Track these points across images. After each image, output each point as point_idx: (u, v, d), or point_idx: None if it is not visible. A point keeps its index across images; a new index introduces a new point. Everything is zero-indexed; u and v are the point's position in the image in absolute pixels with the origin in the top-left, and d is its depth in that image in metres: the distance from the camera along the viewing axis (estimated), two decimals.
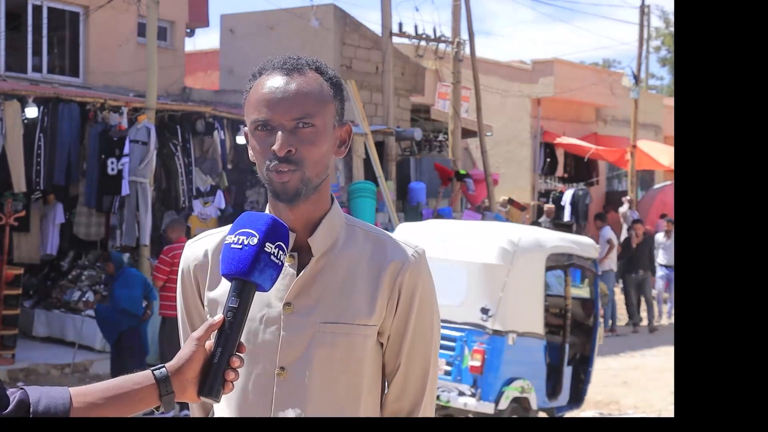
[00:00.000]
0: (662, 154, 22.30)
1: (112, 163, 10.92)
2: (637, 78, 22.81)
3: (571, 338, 8.12)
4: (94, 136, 11.08)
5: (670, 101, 27.42)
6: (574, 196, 21.11)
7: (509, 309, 7.34)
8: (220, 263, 1.84)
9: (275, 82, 1.97)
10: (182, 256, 2.12)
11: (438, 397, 7.15)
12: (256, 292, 1.84)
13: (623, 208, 18.84)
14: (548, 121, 22.78)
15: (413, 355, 2.07)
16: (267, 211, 2.03)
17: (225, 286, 1.98)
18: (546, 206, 19.21)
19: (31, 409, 1.64)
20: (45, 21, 14.73)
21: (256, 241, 1.80)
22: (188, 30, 17.98)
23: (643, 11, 24.25)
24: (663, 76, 48.69)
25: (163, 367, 1.76)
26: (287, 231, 1.86)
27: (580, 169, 22.96)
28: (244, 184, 13.16)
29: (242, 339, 1.82)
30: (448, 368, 7.42)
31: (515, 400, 7.45)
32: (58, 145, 10.93)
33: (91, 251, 12.18)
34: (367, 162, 14.31)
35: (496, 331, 7.31)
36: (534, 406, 7.59)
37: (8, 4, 14.37)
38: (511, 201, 18.57)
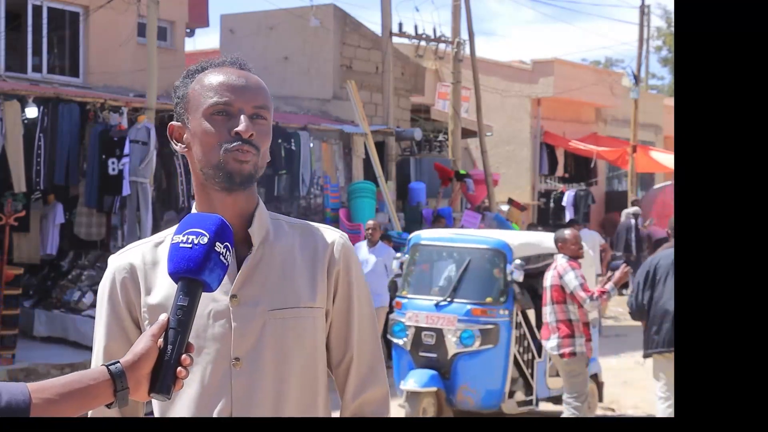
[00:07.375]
0: (665, 159, 22.29)
1: (113, 163, 10.89)
2: (637, 78, 22.80)
3: None
4: (94, 136, 11.06)
5: (670, 101, 27.40)
6: (575, 196, 21.01)
7: None
8: (166, 264, 1.84)
9: (233, 72, 2.09)
10: (108, 270, 2.13)
11: None
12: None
13: (623, 218, 18.56)
14: (548, 121, 22.74)
15: (364, 334, 2.14)
16: (194, 209, 2.08)
17: (166, 290, 2.03)
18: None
19: None
20: (45, 21, 14.72)
21: (206, 240, 1.82)
22: (188, 30, 17.95)
23: (643, 11, 24.27)
24: (663, 76, 48.67)
25: (118, 362, 1.75)
26: (232, 233, 1.89)
27: (581, 169, 22.93)
28: None
29: (191, 336, 1.84)
30: None
31: None
32: (58, 145, 10.91)
33: (91, 251, 12.17)
34: (367, 162, 14.30)
35: None
36: None
37: (8, 4, 14.36)
38: (511, 201, 18.54)
